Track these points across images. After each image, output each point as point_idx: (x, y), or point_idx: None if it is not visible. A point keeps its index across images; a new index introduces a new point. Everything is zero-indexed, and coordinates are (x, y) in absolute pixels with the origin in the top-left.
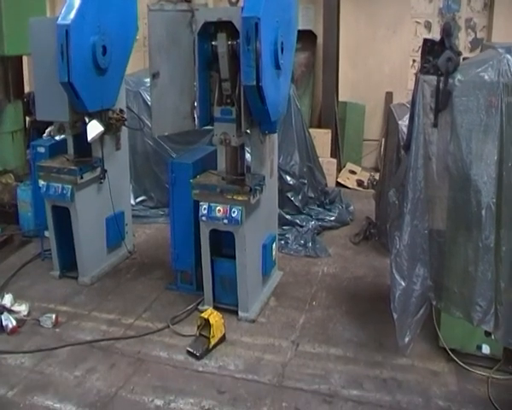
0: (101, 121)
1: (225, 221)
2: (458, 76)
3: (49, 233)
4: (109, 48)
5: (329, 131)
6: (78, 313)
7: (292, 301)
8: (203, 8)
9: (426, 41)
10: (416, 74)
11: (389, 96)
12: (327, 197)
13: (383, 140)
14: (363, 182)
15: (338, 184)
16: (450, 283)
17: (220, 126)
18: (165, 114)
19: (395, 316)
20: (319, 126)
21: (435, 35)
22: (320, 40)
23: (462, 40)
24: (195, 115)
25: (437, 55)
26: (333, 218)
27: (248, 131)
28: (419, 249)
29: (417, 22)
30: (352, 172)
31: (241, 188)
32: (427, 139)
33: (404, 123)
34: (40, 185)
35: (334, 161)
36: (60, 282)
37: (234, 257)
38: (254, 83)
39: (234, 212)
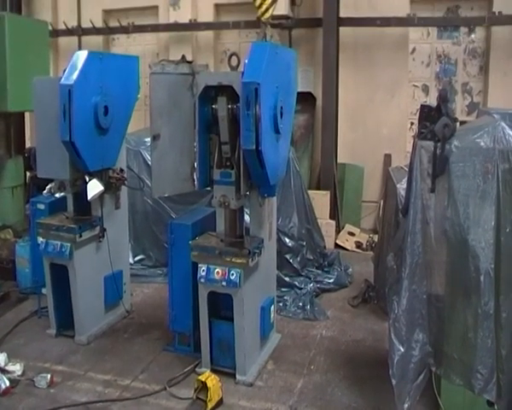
0: (101, 180)
1: (224, 284)
2: (455, 142)
3: (47, 291)
4: (111, 108)
5: (328, 192)
6: (74, 373)
7: (290, 365)
8: (204, 72)
9: (423, 107)
10: (413, 139)
11: (388, 158)
12: (325, 259)
13: (382, 202)
14: (361, 244)
15: (337, 245)
16: (449, 349)
17: (219, 189)
18: (165, 175)
19: (394, 382)
20: (318, 188)
21: (432, 99)
22: (319, 102)
23: (459, 104)
24: (195, 177)
25: (434, 120)
26: (331, 280)
27: (248, 193)
28: (418, 314)
29: (415, 86)
30: (351, 234)
31: (239, 251)
32: (424, 204)
33: (402, 186)
34: (39, 242)
35: (333, 222)
36: (56, 341)
37: (232, 319)
38: (254, 147)
39: (232, 274)
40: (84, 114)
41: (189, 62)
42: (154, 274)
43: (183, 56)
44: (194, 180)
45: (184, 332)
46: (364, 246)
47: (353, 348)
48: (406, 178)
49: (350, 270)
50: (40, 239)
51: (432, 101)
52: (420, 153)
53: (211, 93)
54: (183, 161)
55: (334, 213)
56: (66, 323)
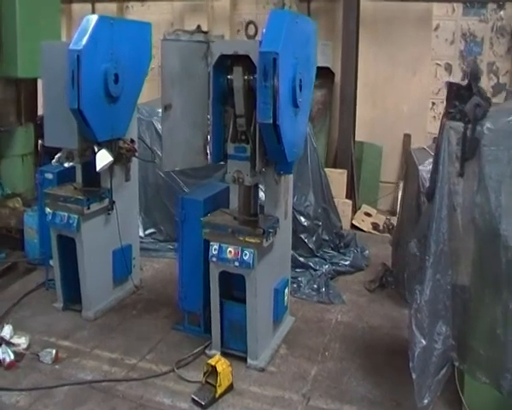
0: (110, 151)
1: (236, 264)
2: (487, 124)
3: (54, 263)
4: (122, 76)
5: (345, 171)
6: (80, 350)
7: (303, 351)
8: (219, 40)
9: (451, 85)
10: (441, 120)
11: (407, 138)
12: (342, 241)
13: (401, 184)
14: (378, 225)
15: (352, 226)
16: (475, 344)
17: (234, 164)
18: (176, 148)
19: (414, 376)
20: (334, 166)
21: (456, 78)
22: (338, 78)
23: (484, 85)
24: (208, 151)
25: (463, 100)
26: (347, 262)
27: (263, 170)
28: (441, 305)
29: (438, 64)
30: (368, 215)
31: (253, 230)
32: (452, 189)
33: (424, 168)
34: (46, 213)
35: (350, 202)
36: (63, 315)
37: (244, 301)
38: (271, 121)
39: (245, 254)
40: (93, 81)
41: (205, 33)
42: (164, 249)
43: (199, 26)
44: (207, 154)
45: (194, 312)
46: (381, 228)
47: (370, 335)
48: (432, 161)
49: (366, 252)
50: (48, 210)
51: (455, 80)
52: (448, 134)
53: (226, 63)
54: (195, 134)
55: (351, 193)
56: (73, 297)
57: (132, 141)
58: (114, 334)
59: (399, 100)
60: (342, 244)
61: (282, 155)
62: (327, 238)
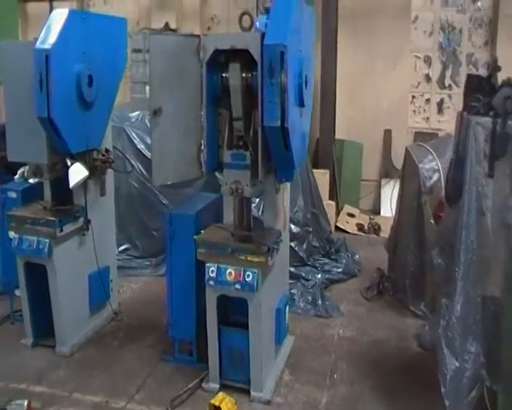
0: (84, 164)
1: (238, 286)
2: None
3: (21, 293)
4: (96, 78)
5: (328, 171)
6: (57, 395)
7: (310, 375)
8: (213, 34)
9: (471, 77)
10: (460, 114)
11: (388, 134)
12: (332, 246)
13: (384, 182)
14: (363, 226)
15: (337, 228)
16: (509, 362)
17: (231, 174)
18: (167, 159)
19: (447, 403)
20: (315, 166)
21: (435, 71)
22: (317, 76)
23: (464, 76)
24: (202, 160)
25: (486, 92)
26: (340, 270)
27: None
28: (471, 320)
29: (417, 57)
30: (351, 215)
31: (257, 248)
32: (480, 191)
33: (424, 166)
34: (11, 238)
35: (333, 203)
36: (33, 352)
37: (243, 325)
38: (278, 123)
39: (248, 276)
40: (64, 84)
41: (173, 30)
42: (141, 266)
43: (167, 24)
44: (201, 164)
45: (186, 340)
46: (366, 228)
47: (377, 351)
48: (451, 160)
49: (357, 256)
50: (12, 234)
51: (434, 73)
52: (475, 131)
53: (220, 59)
54: (188, 141)
55: (333, 194)
56: (44, 330)
57: (107, 151)
58: (96, 371)
59: (379, 95)
60: (333, 250)
61: (289, 162)
62: (317, 245)
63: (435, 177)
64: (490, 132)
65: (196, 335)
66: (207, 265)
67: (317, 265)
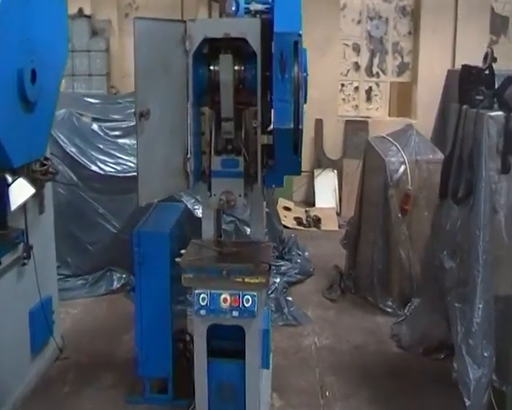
0: (27, 179)
1: (235, 314)
2: None
3: None
4: (40, 73)
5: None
6: None
7: (300, 396)
8: (201, 19)
9: (468, 68)
10: (460, 107)
11: (319, 123)
12: (284, 246)
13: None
14: (301, 220)
15: None
16: None
17: (220, 183)
18: (154, 171)
19: None
20: None
21: (364, 58)
22: None
23: (390, 64)
24: (189, 169)
25: (486, 84)
26: (297, 271)
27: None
28: (487, 324)
29: (346, 44)
30: (287, 209)
31: (255, 267)
32: (492, 188)
33: (390, 160)
34: None
35: None
36: None
37: (231, 354)
38: (291, 125)
39: (247, 300)
40: (3, 82)
41: (88, 17)
42: (75, 286)
43: (81, 10)
44: (187, 173)
45: (160, 377)
46: (305, 222)
47: (360, 358)
48: (447, 157)
49: (307, 254)
50: None
51: (363, 61)
52: (487, 125)
53: (205, 50)
54: (174, 148)
55: None
56: None
57: (47, 159)
58: None
59: (309, 83)
60: (286, 250)
61: (295, 167)
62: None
63: (401, 169)
64: (503, 127)
65: (173, 370)
66: (197, 292)
67: (273, 268)
